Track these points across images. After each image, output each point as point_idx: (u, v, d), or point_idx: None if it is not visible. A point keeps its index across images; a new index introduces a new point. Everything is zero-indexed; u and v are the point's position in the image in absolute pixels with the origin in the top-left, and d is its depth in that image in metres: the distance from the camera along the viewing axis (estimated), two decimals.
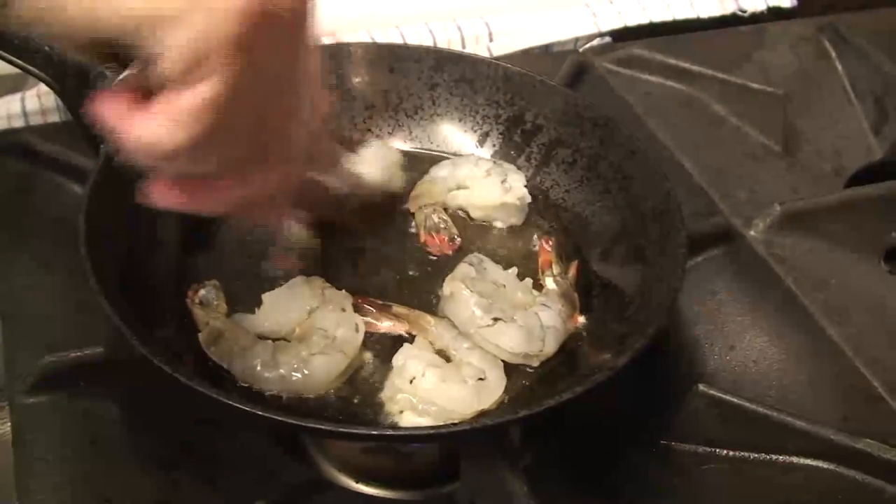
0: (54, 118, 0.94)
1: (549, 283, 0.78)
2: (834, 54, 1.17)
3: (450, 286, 0.73)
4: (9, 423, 0.69)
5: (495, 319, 0.71)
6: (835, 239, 0.92)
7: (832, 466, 0.74)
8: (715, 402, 0.76)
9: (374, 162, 0.84)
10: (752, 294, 0.86)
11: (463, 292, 0.71)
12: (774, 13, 1.21)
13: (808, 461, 0.75)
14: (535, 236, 0.84)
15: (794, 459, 0.75)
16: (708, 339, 0.82)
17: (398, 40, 1.02)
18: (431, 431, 0.66)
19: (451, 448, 0.69)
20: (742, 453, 0.75)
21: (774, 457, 0.75)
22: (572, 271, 0.79)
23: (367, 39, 1.01)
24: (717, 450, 0.75)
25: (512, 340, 0.71)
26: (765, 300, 0.86)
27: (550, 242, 0.82)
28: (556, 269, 0.80)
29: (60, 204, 0.86)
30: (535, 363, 0.72)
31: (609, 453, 0.74)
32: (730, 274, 0.84)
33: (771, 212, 0.91)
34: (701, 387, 0.76)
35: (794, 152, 1.04)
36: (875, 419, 0.77)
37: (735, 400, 0.76)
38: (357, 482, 0.70)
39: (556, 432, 0.72)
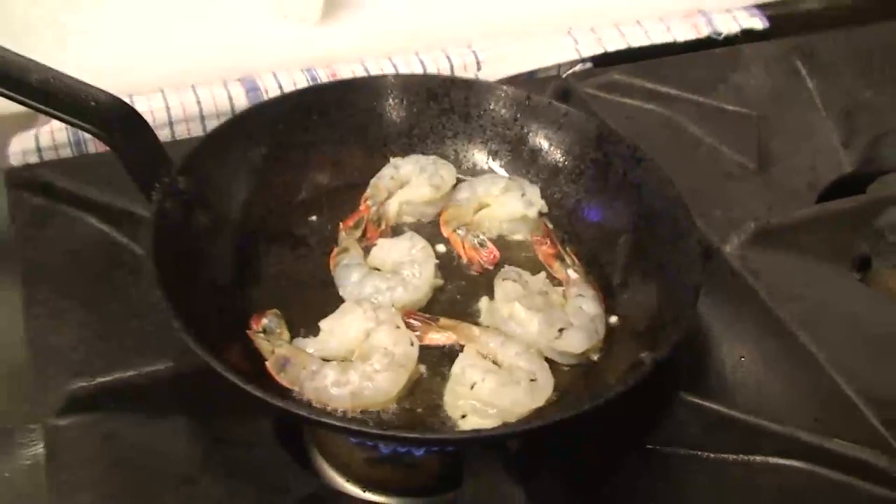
0: (66, 153, 0.97)
1: (571, 273, 0.84)
2: (805, 73, 1.18)
3: (507, 308, 0.77)
4: (40, 445, 0.72)
5: (561, 330, 0.76)
6: (807, 251, 0.94)
7: (806, 466, 0.77)
8: (697, 409, 0.79)
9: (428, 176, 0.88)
10: (730, 307, 0.88)
11: (523, 314, 0.76)
12: (747, 35, 1.23)
13: (784, 461, 0.78)
14: (529, 238, 0.88)
15: (771, 460, 0.78)
16: (690, 350, 0.84)
17: (391, 70, 1.06)
18: (536, 425, 0.71)
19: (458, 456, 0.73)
20: (722, 455, 0.78)
21: (752, 457, 0.77)
22: (575, 258, 0.84)
23: (362, 70, 1.05)
24: (700, 453, 0.78)
25: (578, 343, 0.77)
26: (742, 312, 0.88)
27: (544, 241, 0.86)
28: (568, 260, 0.84)
29: (76, 236, 0.88)
30: (595, 356, 0.78)
31: (598, 458, 0.76)
32: (708, 288, 0.85)
33: (745, 228, 0.93)
34: (683, 394, 0.80)
35: (768, 169, 1.05)
36: (846, 421, 0.79)
37: (715, 406, 0.79)
38: (364, 491, 0.74)
39: (551, 440, 0.75)
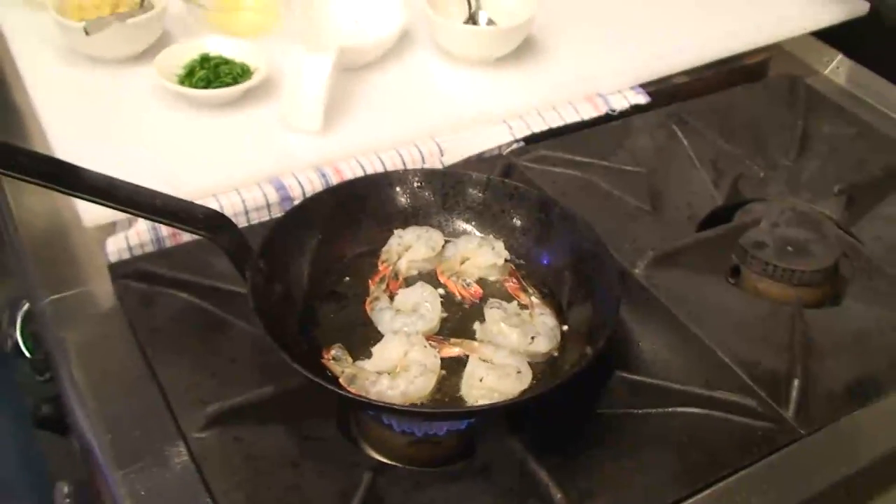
0: (149, 248, 1.12)
1: (533, 299, 1.01)
2: (680, 134, 1.33)
3: (495, 327, 0.96)
4: (184, 455, 0.89)
5: (532, 338, 0.94)
6: (693, 268, 1.09)
7: (702, 411, 0.93)
8: (626, 381, 0.95)
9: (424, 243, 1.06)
10: (643, 312, 1.03)
11: (506, 329, 0.95)
12: (635, 109, 1.37)
13: (687, 409, 0.93)
14: (500, 278, 1.05)
15: (679, 409, 0.93)
16: (621, 344, 0.99)
17: (378, 163, 1.25)
18: (526, 398, 0.89)
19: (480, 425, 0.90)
20: (645, 410, 0.93)
21: (666, 409, 0.93)
22: (534, 289, 1.02)
23: (357, 166, 1.24)
24: (632, 410, 0.92)
25: (544, 346, 0.95)
26: (651, 315, 1.03)
27: (510, 279, 1.04)
28: (530, 290, 1.02)
29: (174, 308, 1.04)
30: (556, 353, 0.95)
31: (563, 421, 0.91)
32: (626, 300, 0.97)
33: (647, 255, 1.08)
34: (619, 372, 0.95)
35: (659, 210, 1.19)
36: (724, 379, 0.95)
37: (638, 377, 0.95)
38: (402, 465, 0.91)
39: (532, 410, 0.90)
